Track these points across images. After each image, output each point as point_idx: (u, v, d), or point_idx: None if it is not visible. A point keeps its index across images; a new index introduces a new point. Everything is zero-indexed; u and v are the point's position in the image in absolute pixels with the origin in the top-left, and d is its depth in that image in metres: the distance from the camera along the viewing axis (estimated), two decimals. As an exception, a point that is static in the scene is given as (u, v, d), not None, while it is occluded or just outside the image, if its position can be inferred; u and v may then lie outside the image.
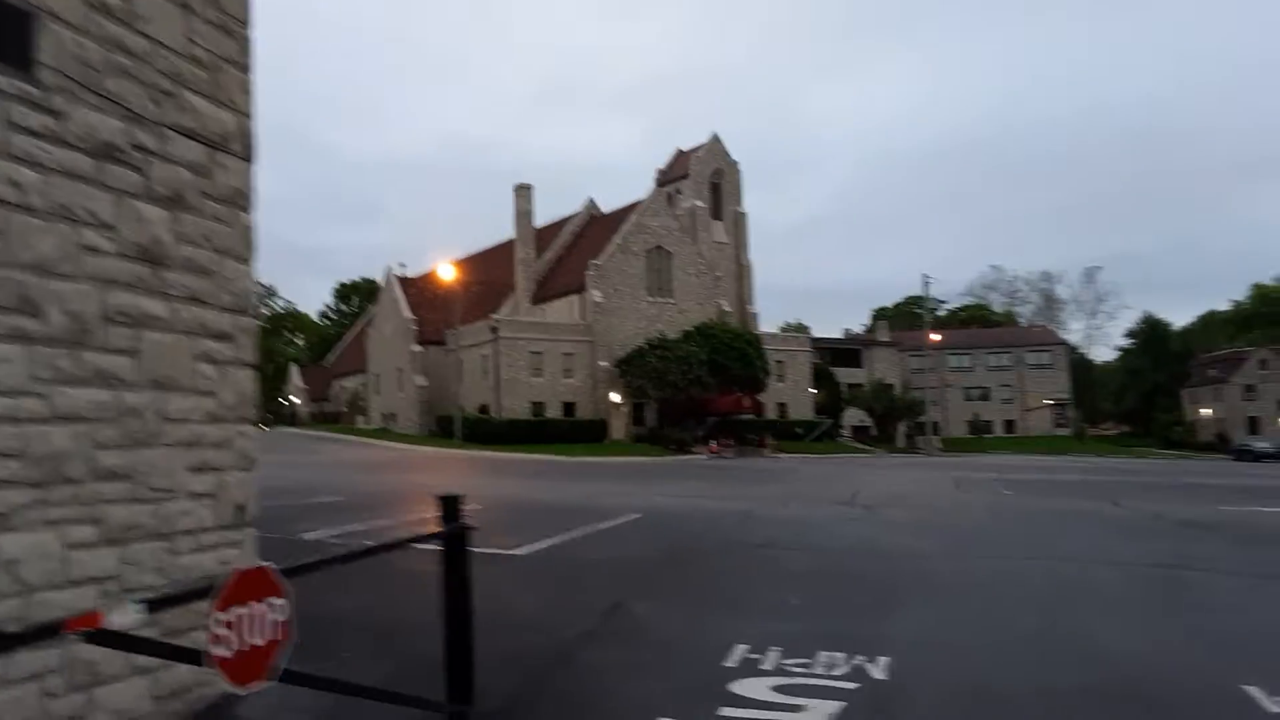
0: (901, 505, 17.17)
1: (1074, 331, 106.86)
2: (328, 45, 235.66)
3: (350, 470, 26.20)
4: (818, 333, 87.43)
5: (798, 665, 5.47)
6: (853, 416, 74.33)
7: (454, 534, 4.55)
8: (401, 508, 14.17)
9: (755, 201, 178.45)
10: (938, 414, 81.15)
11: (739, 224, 71.11)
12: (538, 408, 52.61)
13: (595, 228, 66.35)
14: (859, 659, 5.61)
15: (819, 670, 5.39)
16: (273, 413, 77.29)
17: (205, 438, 4.85)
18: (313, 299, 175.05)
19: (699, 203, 67.93)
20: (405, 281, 66.47)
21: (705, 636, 6.17)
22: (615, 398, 53.96)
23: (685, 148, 73.27)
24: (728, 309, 63.57)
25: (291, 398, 79.50)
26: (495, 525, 12.43)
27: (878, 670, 5.39)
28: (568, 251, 66.51)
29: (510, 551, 9.69)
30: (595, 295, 56.32)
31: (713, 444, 50.25)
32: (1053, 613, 7.19)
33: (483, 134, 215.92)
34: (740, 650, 5.76)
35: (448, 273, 54.34)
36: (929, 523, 14.11)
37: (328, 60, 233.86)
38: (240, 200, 5.26)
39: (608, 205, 69.70)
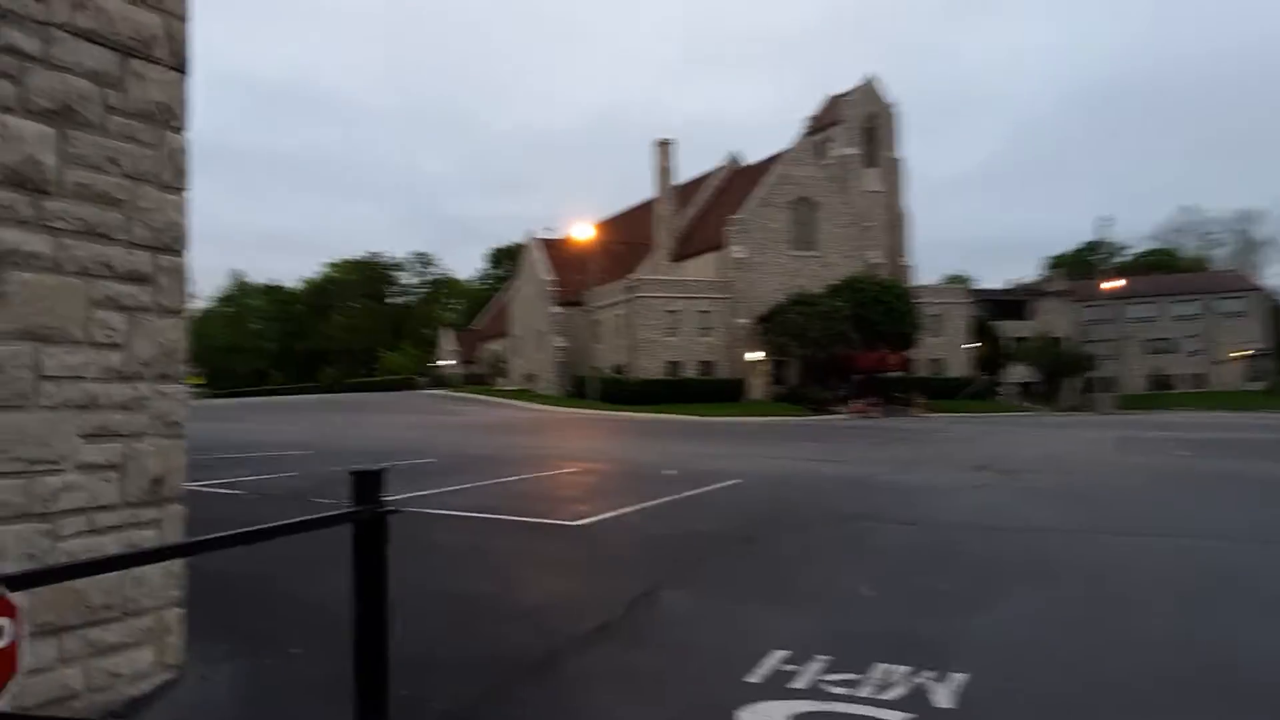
0: (1046, 470, 15.21)
1: (1276, 276, 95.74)
2: (483, 23, 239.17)
3: (470, 431, 26.25)
4: (984, 285, 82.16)
5: (841, 682, 4.29)
6: (1017, 373, 69.48)
7: (364, 520, 3.63)
8: (488, 472, 13.61)
9: (916, 152, 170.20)
10: (1115, 368, 74.79)
11: (894, 171, 67.10)
12: (674, 367, 51.83)
13: (738, 182, 64.42)
14: (925, 675, 4.37)
15: (866, 691, 4.19)
16: (428, 375, 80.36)
17: (106, 398, 4.13)
18: (467, 266, 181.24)
19: (850, 150, 64.51)
20: (546, 244, 66.90)
21: (739, 637, 5.06)
22: (754, 356, 52.42)
23: (837, 93, 69.76)
24: (878, 261, 60.34)
25: (444, 360, 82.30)
26: (576, 491, 11.66)
27: (943, 693, 4.14)
28: (709, 207, 64.98)
29: (571, 522, 8.82)
30: (735, 251, 54.68)
31: (856, 403, 47.96)
32: (1198, 612, 5.63)
33: (629, 99, 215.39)
34: (775, 658, 4.62)
35: (586, 234, 54.11)
36: (1071, 491, 12.25)
37: (484, 38, 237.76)
38: (167, 117, 4.48)
39: (755, 160, 67.46)
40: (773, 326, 51.84)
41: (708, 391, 49.37)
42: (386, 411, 38.88)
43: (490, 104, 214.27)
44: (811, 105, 72.17)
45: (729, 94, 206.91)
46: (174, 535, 4.44)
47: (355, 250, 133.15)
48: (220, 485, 10.91)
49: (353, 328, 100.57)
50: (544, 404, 48.80)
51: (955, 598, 5.98)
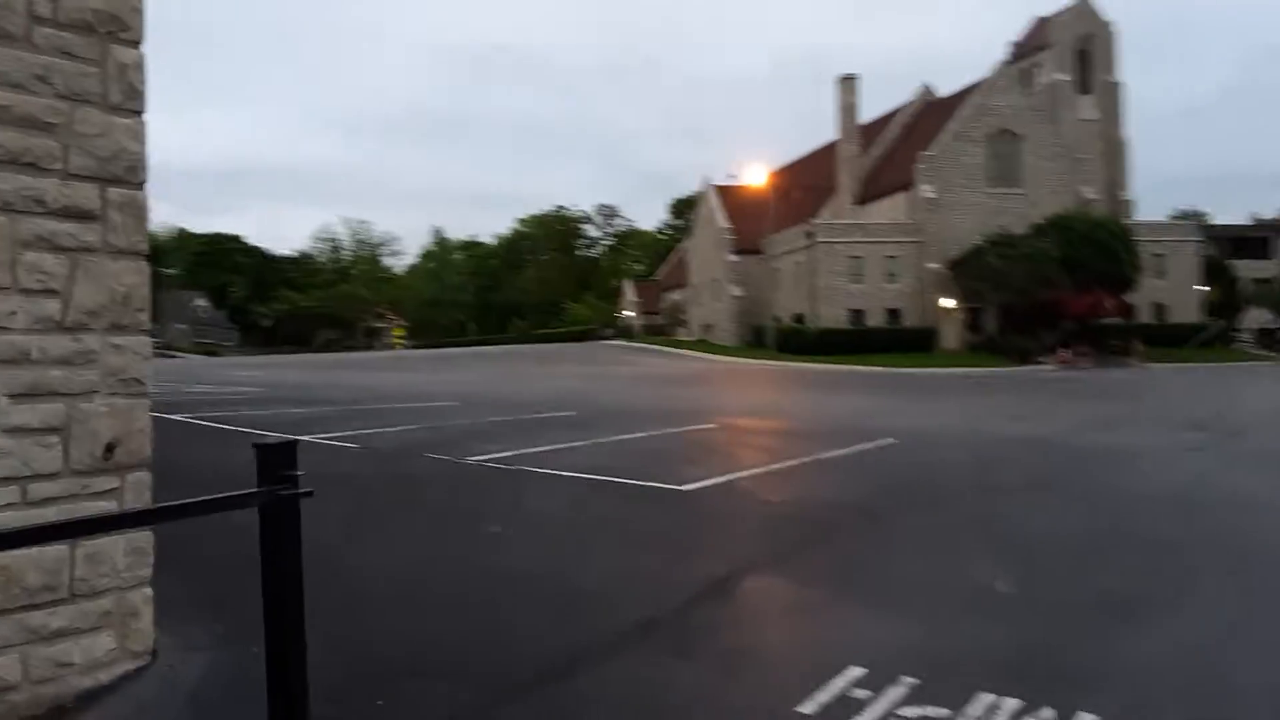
0: (1283, 432, 12.70)
1: None
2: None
3: (634, 383, 25.79)
4: (1218, 221, 72.84)
5: (919, 719, 3.18)
6: (1257, 318, 61.23)
7: (271, 502, 2.87)
8: (623, 426, 12.89)
9: (1140, 78, 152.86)
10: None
11: (1112, 97, 60.07)
12: (857, 315, 49.28)
13: (930, 116, 59.94)
14: (1042, 716, 3.18)
15: (952, 743, 3.07)
16: (611, 326, 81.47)
17: (39, 352, 3.59)
18: (652, 216, 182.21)
19: (1061, 75, 58.33)
20: (724, 191, 65.34)
21: (814, 646, 4.03)
22: (947, 303, 48.88)
23: (1045, 14, 63.13)
24: (1092, 196, 54.44)
25: (626, 312, 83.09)
26: (702, 451, 10.72)
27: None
28: (897, 145, 60.96)
29: (678, 486, 7.88)
30: (926, 190, 51.01)
31: (1064, 353, 43.68)
32: None
33: (822, 39, 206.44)
34: (846, 678, 3.55)
35: (764, 178, 52.26)
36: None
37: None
38: (112, 27, 3.84)
39: (949, 92, 62.48)
40: (968, 270, 48.05)
41: (894, 341, 46.61)
42: (562, 362, 39.42)
43: (685, 54, 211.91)
44: (1016, 31, 65.38)
45: (926, 27, 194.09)
46: (139, 506, 3.91)
47: (550, 204, 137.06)
48: (338, 439, 10.79)
49: (542, 281, 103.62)
50: (720, 355, 47.95)
51: (1119, 602, 4.61)
